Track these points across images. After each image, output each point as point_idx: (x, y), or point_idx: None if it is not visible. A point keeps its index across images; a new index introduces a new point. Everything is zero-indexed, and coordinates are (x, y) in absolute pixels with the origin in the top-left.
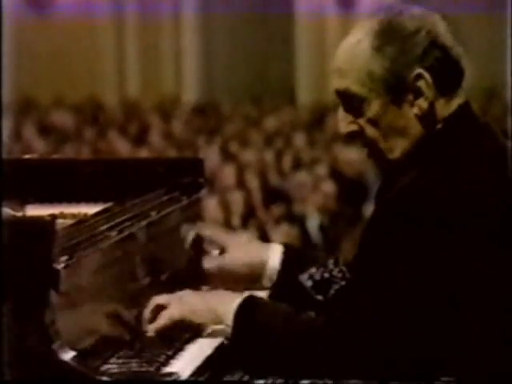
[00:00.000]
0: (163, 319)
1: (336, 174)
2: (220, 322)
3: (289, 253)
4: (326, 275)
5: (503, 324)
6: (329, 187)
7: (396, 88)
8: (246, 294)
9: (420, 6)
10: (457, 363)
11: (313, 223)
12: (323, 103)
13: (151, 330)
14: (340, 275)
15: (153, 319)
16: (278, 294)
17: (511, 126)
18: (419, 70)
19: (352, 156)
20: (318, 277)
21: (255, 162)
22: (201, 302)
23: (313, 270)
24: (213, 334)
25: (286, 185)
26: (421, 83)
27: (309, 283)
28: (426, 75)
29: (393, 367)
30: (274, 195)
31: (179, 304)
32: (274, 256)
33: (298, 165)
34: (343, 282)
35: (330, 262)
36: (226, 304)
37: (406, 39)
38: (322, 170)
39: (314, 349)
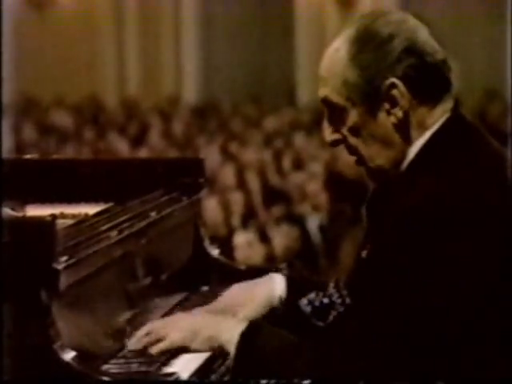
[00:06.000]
0: (163, 344)
1: (336, 174)
2: (221, 351)
3: (292, 282)
4: (326, 301)
5: None
6: (329, 187)
7: (371, 97)
8: (247, 322)
9: (420, 7)
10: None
11: (313, 223)
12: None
13: (151, 351)
14: (339, 301)
15: (151, 343)
16: (278, 319)
17: (511, 125)
18: (392, 80)
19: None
20: (317, 303)
21: (255, 162)
22: (202, 329)
23: (312, 295)
24: None
25: (286, 185)
26: (395, 92)
27: (308, 309)
28: (400, 84)
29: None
30: (273, 195)
31: (180, 329)
32: (279, 288)
33: (297, 165)
34: (342, 309)
35: (331, 286)
36: (228, 332)
37: (379, 46)
38: (321, 170)
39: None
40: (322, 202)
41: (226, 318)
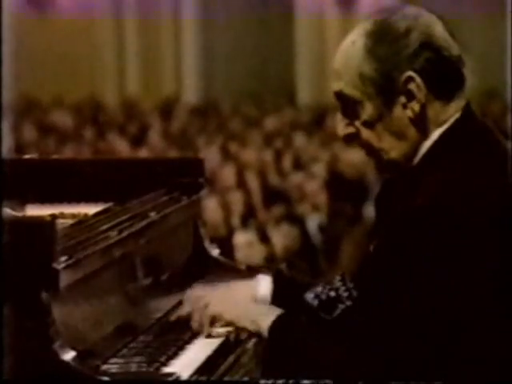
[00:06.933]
0: (207, 317)
1: (336, 174)
2: (259, 334)
3: (279, 284)
4: (332, 294)
5: None
6: (329, 187)
7: (387, 90)
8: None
9: (420, 5)
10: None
11: (313, 223)
12: (323, 103)
13: (194, 322)
14: (346, 294)
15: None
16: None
17: (511, 125)
18: (410, 73)
19: (352, 156)
20: (324, 296)
21: (255, 162)
22: (247, 311)
23: (319, 288)
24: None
25: (286, 185)
26: (412, 86)
27: (315, 302)
28: (417, 78)
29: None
30: (273, 195)
31: (228, 306)
32: (264, 288)
33: (298, 165)
34: (349, 302)
35: (337, 279)
36: (268, 319)
37: (396, 40)
38: (321, 170)
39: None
40: (322, 202)
41: (269, 307)
